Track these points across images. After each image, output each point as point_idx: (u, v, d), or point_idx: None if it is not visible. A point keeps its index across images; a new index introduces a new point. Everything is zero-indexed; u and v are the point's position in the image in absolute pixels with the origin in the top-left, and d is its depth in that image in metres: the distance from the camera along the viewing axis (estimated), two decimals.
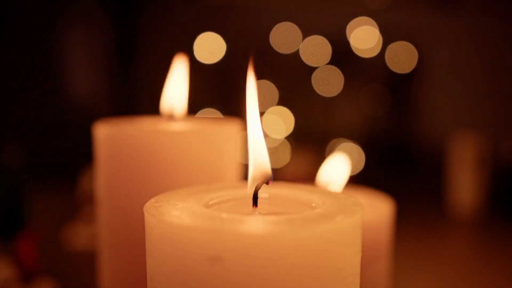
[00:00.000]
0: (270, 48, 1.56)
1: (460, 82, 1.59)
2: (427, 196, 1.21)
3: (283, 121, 1.48)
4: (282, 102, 1.51)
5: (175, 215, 0.22)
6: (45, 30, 1.52)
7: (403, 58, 1.58)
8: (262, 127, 0.27)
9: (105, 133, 0.36)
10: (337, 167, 0.40)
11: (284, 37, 1.56)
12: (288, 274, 0.21)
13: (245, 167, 0.27)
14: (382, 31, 1.54)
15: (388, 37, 1.55)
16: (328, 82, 1.56)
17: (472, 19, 1.51)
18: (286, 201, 0.27)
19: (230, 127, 0.37)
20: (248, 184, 0.26)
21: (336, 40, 1.56)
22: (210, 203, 0.26)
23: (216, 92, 1.62)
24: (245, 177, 0.26)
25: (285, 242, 0.20)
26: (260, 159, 0.26)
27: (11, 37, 1.45)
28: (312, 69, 1.56)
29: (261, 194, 0.27)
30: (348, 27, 1.54)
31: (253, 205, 0.25)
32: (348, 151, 1.46)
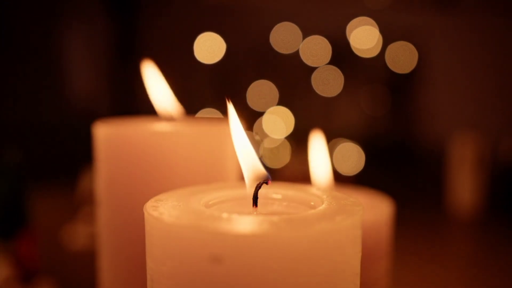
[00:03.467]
0: (270, 48, 1.56)
1: (460, 82, 1.59)
2: (427, 196, 1.21)
3: (283, 121, 1.48)
4: (282, 102, 1.51)
5: (175, 215, 0.22)
6: (45, 30, 1.52)
7: (403, 58, 1.58)
8: (245, 133, 0.27)
9: (105, 133, 0.36)
10: (319, 160, 0.40)
11: (284, 37, 1.56)
12: (288, 274, 0.21)
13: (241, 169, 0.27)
14: (382, 31, 1.54)
15: (388, 37, 1.55)
16: (328, 82, 1.56)
17: (472, 19, 1.51)
18: (286, 201, 0.27)
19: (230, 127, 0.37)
20: (246, 186, 0.26)
21: (336, 40, 1.56)
22: (210, 203, 0.26)
23: (216, 92, 1.62)
24: (242, 177, 0.27)
25: (285, 242, 0.20)
26: (251, 164, 0.26)
27: (11, 37, 1.45)
28: (312, 69, 1.56)
29: (261, 194, 0.27)
30: (348, 27, 1.54)
31: (253, 205, 0.25)
32: (348, 151, 1.46)
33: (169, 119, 0.39)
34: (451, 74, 1.60)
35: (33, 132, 1.38)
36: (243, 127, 0.27)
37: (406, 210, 0.62)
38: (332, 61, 1.55)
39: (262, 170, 0.26)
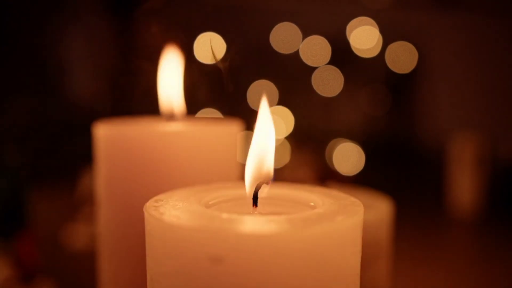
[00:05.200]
0: (270, 48, 1.56)
1: (460, 82, 1.59)
2: (427, 196, 1.21)
3: (283, 121, 1.48)
4: (282, 102, 1.51)
5: (175, 215, 0.22)
6: (45, 29, 1.52)
7: (403, 58, 1.58)
8: (273, 131, 0.27)
9: (105, 133, 0.36)
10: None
11: (284, 37, 1.56)
12: (288, 274, 0.21)
13: (244, 166, 0.26)
14: (382, 31, 1.54)
15: (388, 37, 1.55)
16: (328, 82, 1.56)
17: (472, 19, 1.51)
18: (286, 201, 0.27)
19: (230, 127, 0.37)
20: (246, 184, 0.26)
21: (336, 40, 1.56)
22: (210, 203, 0.26)
23: (216, 92, 1.62)
24: (243, 177, 0.26)
25: (285, 242, 0.20)
26: (263, 161, 0.26)
27: (10, 37, 1.45)
28: (312, 69, 1.56)
29: (262, 194, 0.27)
30: (348, 27, 1.54)
31: (253, 205, 0.25)
32: (348, 151, 1.46)
33: (170, 119, 0.39)
34: (451, 74, 1.60)
35: (33, 132, 1.38)
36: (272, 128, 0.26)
37: (406, 210, 0.62)
38: (332, 61, 1.55)
39: (270, 172, 0.26)
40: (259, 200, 0.26)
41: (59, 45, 1.58)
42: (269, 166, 0.26)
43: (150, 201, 0.25)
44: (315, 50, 1.55)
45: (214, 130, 0.36)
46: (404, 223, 0.61)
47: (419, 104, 1.67)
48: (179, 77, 0.40)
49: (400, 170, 1.46)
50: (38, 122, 1.42)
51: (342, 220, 0.22)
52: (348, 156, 1.45)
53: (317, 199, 0.26)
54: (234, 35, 1.59)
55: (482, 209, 1.05)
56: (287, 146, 1.44)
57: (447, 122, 1.59)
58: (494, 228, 0.98)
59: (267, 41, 1.56)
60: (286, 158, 1.40)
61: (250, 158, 0.26)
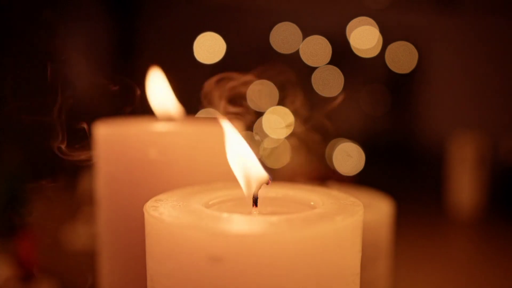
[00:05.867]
0: (270, 48, 1.56)
1: (460, 82, 1.59)
2: (427, 196, 1.21)
3: (283, 121, 1.48)
4: (282, 102, 1.51)
5: (175, 215, 0.22)
6: (45, 29, 1.52)
7: (403, 58, 1.58)
8: (243, 138, 0.27)
9: (104, 133, 0.36)
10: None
11: (284, 37, 1.56)
12: (288, 274, 0.21)
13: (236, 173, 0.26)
14: (382, 31, 1.54)
15: (388, 37, 1.55)
16: (328, 82, 1.56)
17: (472, 19, 1.51)
18: (286, 201, 0.27)
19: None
20: (242, 186, 0.26)
21: (336, 40, 1.56)
22: (210, 203, 0.26)
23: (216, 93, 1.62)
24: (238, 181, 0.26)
25: (285, 242, 0.20)
26: (250, 168, 0.26)
27: (10, 36, 1.45)
28: (312, 69, 1.56)
29: (261, 194, 0.27)
30: (348, 27, 1.54)
31: (253, 205, 0.25)
32: (348, 151, 1.46)
33: (169, 119, 0.39)
34: (451, 74, 1.60)
35: (33, 132, 1.38)
36: (240, 132, 0.27)
37: (406, 210, 0.62)
38: (332, 61, 1.55)
39: (263, 174, 0.26)
40: (259, 200, 0.26)
41: (59, 45, 1.58)
42: (260, 169, 0.26)
43: (149, 201, 0.25)
44: (315, 50, 1.55)
45: (214, 130, 0.36)
46: (404, 223, 0.61)
47: (419, 104, 1.67)
48: (167, 86, 0.40)
49: (400, 170, 1.46)
50: (38, 122, 1.42)
51: (342, 220, 0.22)
52: (348, 156, 1.45)
53: (317, 199, 0.26)
54: (234, 35, 1.59)
55: (482, 208, 1.05)
56: (287, 146, 1.44)
57: (447, 122, 1.59)
58: (494, 228, 0.98)
59: (267, 41, 1.56)
60: (286, 158, 1.40)
61: (238, 166, 0.26)
